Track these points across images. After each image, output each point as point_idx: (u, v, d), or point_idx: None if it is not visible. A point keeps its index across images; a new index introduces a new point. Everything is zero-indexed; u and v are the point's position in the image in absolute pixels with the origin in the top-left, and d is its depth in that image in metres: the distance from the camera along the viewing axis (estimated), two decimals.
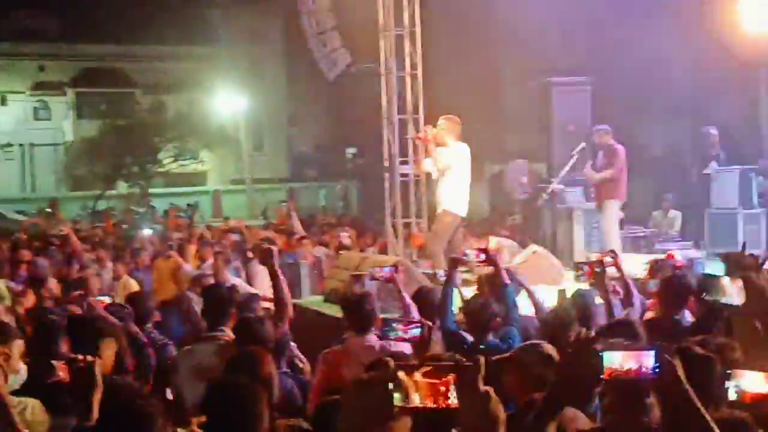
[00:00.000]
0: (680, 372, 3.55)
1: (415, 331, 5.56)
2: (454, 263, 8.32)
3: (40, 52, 49.19)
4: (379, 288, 9.18)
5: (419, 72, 16.54)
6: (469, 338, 7.17)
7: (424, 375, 2.72)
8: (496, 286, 7.89)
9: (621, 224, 15.96)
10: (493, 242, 14.21)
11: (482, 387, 2.87)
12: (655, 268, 9.63)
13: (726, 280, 7.58)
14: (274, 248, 7.41)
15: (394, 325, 5.68)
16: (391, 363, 2.79)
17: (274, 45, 49.83)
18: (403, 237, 16.70)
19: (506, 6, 24.11)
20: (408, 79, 16.55)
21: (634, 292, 7.94)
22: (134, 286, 13.00)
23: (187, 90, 46.92)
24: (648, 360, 3.66)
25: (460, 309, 7.78)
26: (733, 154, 19.14)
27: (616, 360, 3.72)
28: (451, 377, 2.74)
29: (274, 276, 7.12)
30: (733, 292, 7.27)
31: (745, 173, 16.68)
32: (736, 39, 20.90)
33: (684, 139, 24.49)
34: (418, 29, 16.54)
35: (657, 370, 3.61)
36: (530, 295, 8.21)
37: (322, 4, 20.15)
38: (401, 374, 2.74)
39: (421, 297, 7.89)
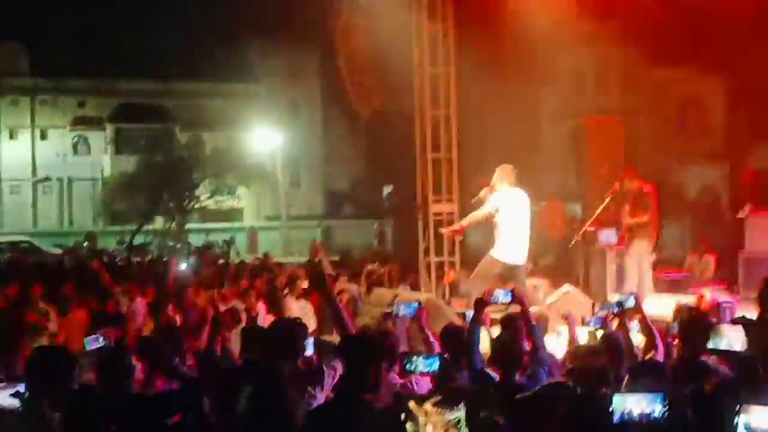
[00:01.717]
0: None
1: (435, 365, 5.55)
2: (481, 303, 8.31)
3: (81, 88, 49.85)
4: (409, 326, 9.17)
5: (453, 112, 16.61)
6: (496, 377, 7.15)
7: (435, 405, 2.75)
8: (520, 327, 7.87)
9: (654, 266, 15.92)
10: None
11: (492, 417, 2.91)
12: (678, 310, 9.57)
13: (727, 327, 7.53)
14: (330, 275, 7.26)
15: (413, 359, 5.67)
16: (402, 394, 2.83)
17: (311, 83, 50.17)
18: (435, 275, 16.71)
19: (543, 47, 24.17)
20: (442, 119, 16.61)
21: (656, 334, 7.89)
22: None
23: (225, 126, 47.29)
24: (656, 404, 3.68)
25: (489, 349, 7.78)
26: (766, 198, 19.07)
27: (627, 403, 3.75)
28: (461, 408, 2.77)
29: (331, 302, 7.06)
30: (736, 339, 7.23)
31: None
32: None
33: (719, 182, 24.44)
34: (453, 69, 16.62)
35: (665, 413, 3.63)
36: (572, 334, 8.19)
37: (359, 43, 20.35)
38: (412, 404, 2.78)
39: (447, 335, 7.87)
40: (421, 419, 2.73)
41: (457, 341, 7.35)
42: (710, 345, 7.34)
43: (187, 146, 45.44)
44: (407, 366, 5.70)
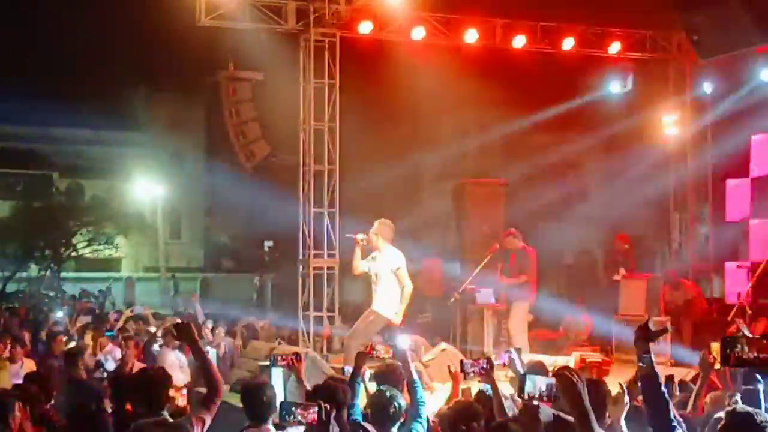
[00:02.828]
0: None
1: (313, 415, 5.50)
2: (362, 358, 8.31)
3: None
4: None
5: (336, 167, 16.71)
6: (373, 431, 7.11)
7: None
8: (399, 380, 7.87)
9: (530, 327, 16.19)
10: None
11: None
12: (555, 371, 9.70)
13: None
14: (193, 326, 7.18)
15: (292, 409, 5.60)
16: None
17: (195, 133, 49.88)
18: (314, 329, 16.66)
19: (427, 109, 24.54)
20: (325, 174, 16.68)
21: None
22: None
23: (105, 174, 46.58)
24: None
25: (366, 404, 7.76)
26: (642, 263, 19.60)
27: None
28: None
29: (199, 353, 6.85)
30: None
31: (653, 281, 17.03)
32: (649, 152, 21.59)
33: (595, 247, 24.96)
34: (337, 125, 16.74)
35: None
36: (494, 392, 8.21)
37: (244, 95, 20.37)
38: None
39: (326, 390, 7.83)
40: None
41: (331, 396, 7.28)
42: None
43: (65, 193, 44.65)
44: (286, 416, 5.63)
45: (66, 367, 10.87)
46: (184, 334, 6.95)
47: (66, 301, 30.15)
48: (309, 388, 7.80)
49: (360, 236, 13.08)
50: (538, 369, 8.27)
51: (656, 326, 5.68)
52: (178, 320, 17.40)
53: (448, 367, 9.55)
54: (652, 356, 5.40)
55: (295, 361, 8.21)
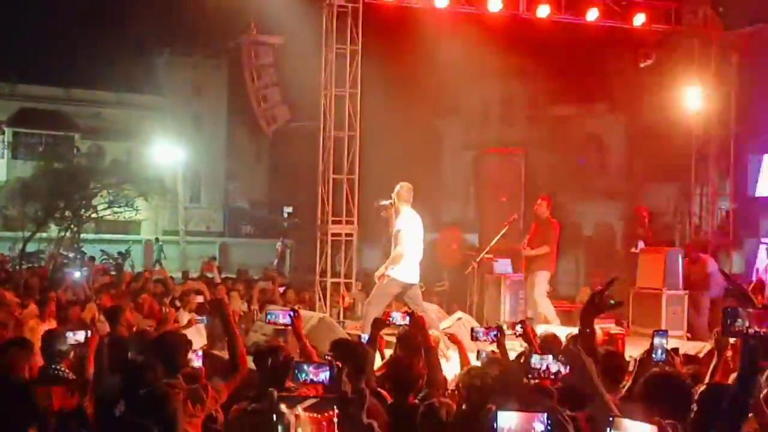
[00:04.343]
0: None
1: (325, 374, 5.46)
2: (379, 324, 8.30)
3: None
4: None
5: (357, 133, 16.65)
6: (389, 399, 7.06)
7: (307, 409, 2.70)
8: (414, 348, 7.85)
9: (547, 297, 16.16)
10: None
11: (365, 420, 2.87)
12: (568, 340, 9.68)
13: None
14: (227, 300, 7.19)
15: (304, 367, 5.57)
16: (274, 394, 2.77)
17: (216, 98, 49.90)
18: (331, 296, 16.68)
19: (449, 77, 24.41)
20: (345, 140, 16.63)
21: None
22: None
23: (127, 138, 46.64)
24: (539, 423, 3.72)
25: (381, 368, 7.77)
26: (662, 237, 19.50)
27: (510, 420, 3.77)
28: (334, 411, 2.72)
29: (229, 327, 6.90)
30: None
31: (672, 254, 16.92)
32: (671, 123, 21.44)
33: (614, 220, 24.88)
34: (358, 91, 16.67)
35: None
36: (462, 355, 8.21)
37: (265, 59, 20.29)
38: (283, 407, 2.73)
39: (340, 347, 7.78)
40: (292, 420, 2.68)
41: (350, 354, 7.21)
42: None
43: (86, 155, 44.69)
44: (298, 375, 5.58)
45: (110, 326, 10.81)
46: (217, 310, 7.00)
47: (86, 261, 30.27)
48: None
49: (385, 202, 13.02)
50: (550, 342, 8.24)
51: (615, 298, 5.58)
52: (198, 287, 17.55)
53: (449, 335, 9.54)
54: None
55: (291, 316, 8.13)
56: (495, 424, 3.95)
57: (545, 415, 3.86)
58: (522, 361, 5.93)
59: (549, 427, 3.87)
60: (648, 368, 6.82)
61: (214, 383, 6.51)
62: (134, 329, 10.76)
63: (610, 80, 22.78)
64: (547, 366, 6.13)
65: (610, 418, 4.26)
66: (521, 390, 6.14)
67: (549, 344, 8.01)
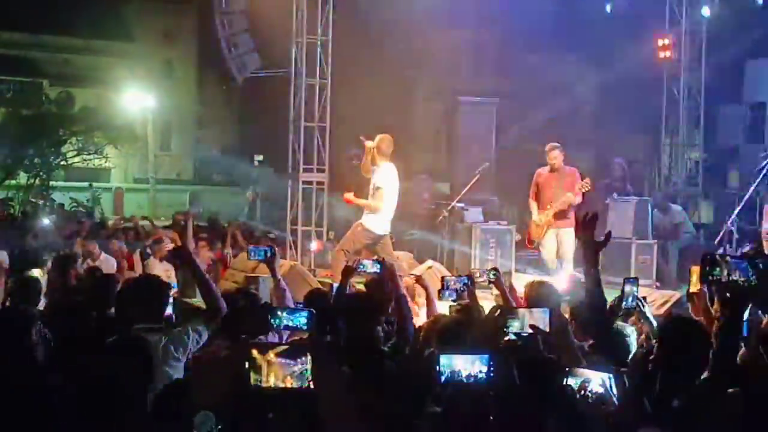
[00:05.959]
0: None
1: (301, 319, 5.41)
2: (348, 272, 8.33)
3: None
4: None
5: (328, 81, 16.61)
6: None
7: (278, 355, 2.70)
8: (386, 292, 7.89)
9: (517, 247, 16.22)
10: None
11: (338, 367, 2.89)
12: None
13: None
14: (193, 249, 7.12)
15: (279, 313, 5.53)
16: (247, 340, 2.78)
17: (186, 45, 49.45)
18: (302, 243, 16.71)
19: (421, 25, 24.26)
20: (317, 88, 16.59)
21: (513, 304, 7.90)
22: None
23: (96, 84, 46.15)
24: (482, 365, 3.77)
25: None
26: (635, 186, 19.57)
27: (453, 363, 3.81)
28: (307, 358, 2.73)
29: (196, 272, 6.86)
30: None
31: (641, 204, 17.04)
32: (642, 74, 21.46)
33: (587, 169, 24.90)
34: (330, 39, 16.61)
35: (491, 373, 3.71)
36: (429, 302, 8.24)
37: (236, 6, 20.12)
38: (255, 353, 2.73)
39: (313, 298, 7.81)
40: (264, 367, 2.69)
41: (323, 304, 7.26)
42: None
43: (55, 102, 44.25)
44: (272, 321, 5.54)
45: (56, 275, 10.77)
46: (181, 257, 6.94)
47: (54, 209, 30.13)
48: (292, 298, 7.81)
49: (369, 143, 12.95)
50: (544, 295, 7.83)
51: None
52: (168, 234, 17.50)
53: (416, 277, 9.56)
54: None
55: (268, 254, 8.11)
56: (438, 367, 3.98)
57: (486, 356, 3.90)
58: (497, 314, 5.87)
59: (491, 369, 3.91)
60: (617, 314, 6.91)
61: (192, 325, 6.48)
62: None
63: (581, 27, 22.73)
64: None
65: (566, 368, 4.32)
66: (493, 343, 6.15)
67: (541, 295, 7.68)
